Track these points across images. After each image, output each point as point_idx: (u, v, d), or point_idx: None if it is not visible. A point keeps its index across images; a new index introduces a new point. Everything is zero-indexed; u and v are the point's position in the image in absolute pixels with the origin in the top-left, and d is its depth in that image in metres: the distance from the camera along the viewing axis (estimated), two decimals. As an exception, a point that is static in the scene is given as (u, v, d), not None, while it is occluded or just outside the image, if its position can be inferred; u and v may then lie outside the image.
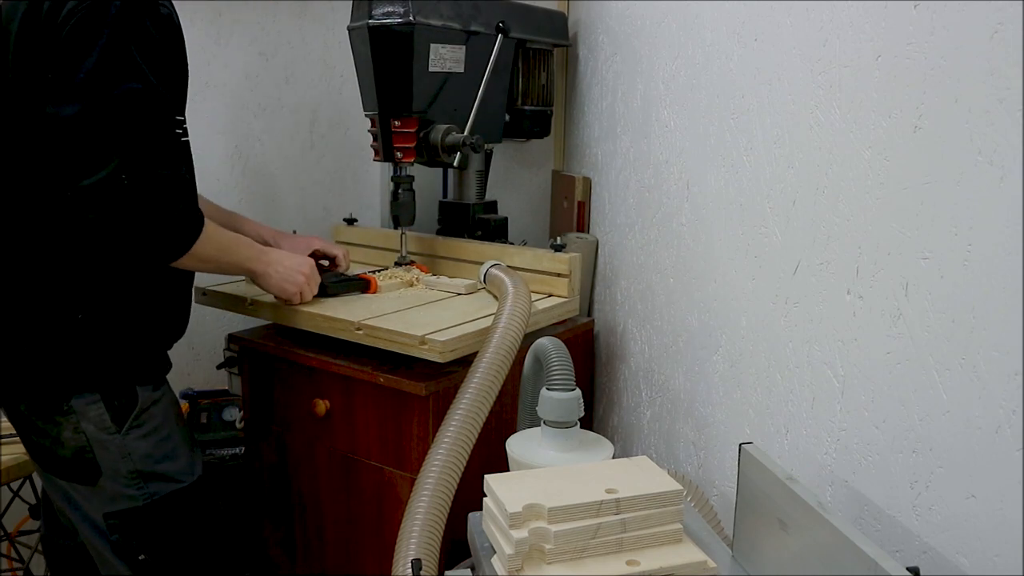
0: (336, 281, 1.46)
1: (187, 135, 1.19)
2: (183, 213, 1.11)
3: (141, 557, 1.20)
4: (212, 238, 1.16)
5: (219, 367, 1.72)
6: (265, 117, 1.96)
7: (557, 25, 1.82)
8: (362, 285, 1.50)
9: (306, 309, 1.38)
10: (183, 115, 1.17)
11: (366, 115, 1.59)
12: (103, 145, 1.02)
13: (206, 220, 1.15)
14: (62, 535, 1.35)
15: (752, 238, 1.08)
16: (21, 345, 1.14)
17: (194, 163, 1.20)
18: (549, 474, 0.82)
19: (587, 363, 1.70)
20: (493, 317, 1.27)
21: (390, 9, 1.46)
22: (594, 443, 1.01)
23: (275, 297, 1.37)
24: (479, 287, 1.54)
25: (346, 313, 1.35)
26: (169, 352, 1.28)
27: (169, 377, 1.27)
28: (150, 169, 1.04)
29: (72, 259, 1.12)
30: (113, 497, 1.18)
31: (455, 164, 1.56)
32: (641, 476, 0.80)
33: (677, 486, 0.78)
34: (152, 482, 1.19)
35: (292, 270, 1.32)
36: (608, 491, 0.76)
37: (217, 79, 1.88)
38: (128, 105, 1.03)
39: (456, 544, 1.23)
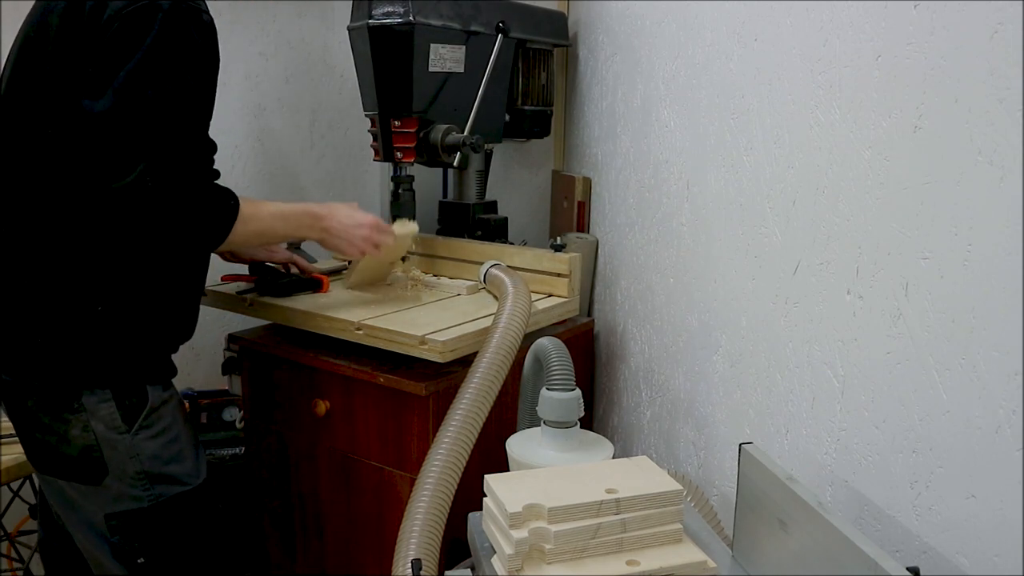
0: (288, 282, 1.48)
1: None
2: (211, 204, 1.14)
3: (140, 560, 1.19)
4: (251, 219, 1.18)
5: (224, 372, 1.71)
6: (265, 117, 1.96)
7: (557, 25, 1.82)
8: (314, 284, 1.51)
9: (306, 309, 1.38)
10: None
11: (366, 115, 1.59)
12: (131, 147, 1.03)
13: (242, 202, 1.16)
14: (59, 539, 1.35)
15: (752, 238, 1.08)
16: (35, 338, 1.13)
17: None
18: (549, 474, 0.82)
19: (587, 363, 1.70)
20: (493, 317, 1.27)
21: (390, 9, 1.46)
22: (594, 443, 1.02)
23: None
24: (479, 287, 1.54)
25: (346, 313, 1.36)
26: (173, 356, 1.28)
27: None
28: (174, 171, 1.07)
29: (90, 253, 1.12)
30: (117, 497, 1.17)
31: (455, 164, 1.56)
32: (641, 476, 0.80)
33: (677, 486, 0.78)
34: (159, 484, 1.18)
35: (351, 228, 1.32)
36: (608, 491, 0.76)
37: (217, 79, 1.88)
38: (160, 106, 1.05)
39: (456, 544, 1.23)
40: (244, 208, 1.17)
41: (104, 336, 1.14)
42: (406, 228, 1.49)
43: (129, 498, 1.17)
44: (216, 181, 1.19)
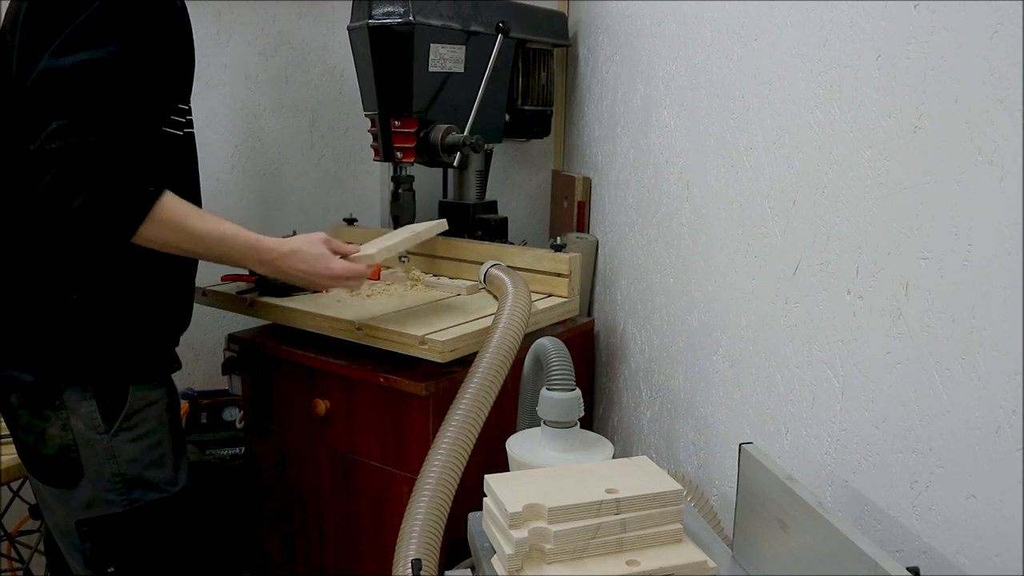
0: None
1: (190, 127, 1.16)
2: (117, 186, 0.99)
3: (111, 570, 1.15)
4: (173, 225, 1.04)
5: (224, 372, 1.71)
6: (265, 117, 1.96)
7: (557, 25, 1.82)
8: None
9: (306, 309, 1.38)
10: (186, 104, 1.15)
11: (366, 115, 1.59)
12: (46, 107, 0.98)
13: (168, 202, 1.03)
14: None
15: (752, 238, 1.08)
16: (17, 330, 1.11)
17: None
18: (549, 474, 0.82)
19: (587, 363, 1.70)
20: (493, 317, 1.27)
21: (390, 9, 1.46)
22: (594, 443, 1.01)
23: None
24: (479, 287, 1.54)
25: (346, 313, 1.36)
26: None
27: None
28: (78, 135, 0.97)
29: (61, 238, 1.08)
30: (91, 502, 1.13)
31: (455, 164, 1.56)
32: (641, 476, 0.80)
33: (677, 486, 0.78)
34: (135, 488, 1.15)
35: (317, 267, 1.19)
36: (608, 491, 0.76)
37: (217, 79, 1.88)
38: (80, 73, 0.98)
39: (456, 544, 1.23)
40: (169, 210, 1.03)
41: (84, 329, 1.11)
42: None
43: (104, 502, 1.13)
44: (153, 188, 1.04)
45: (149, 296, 1.17)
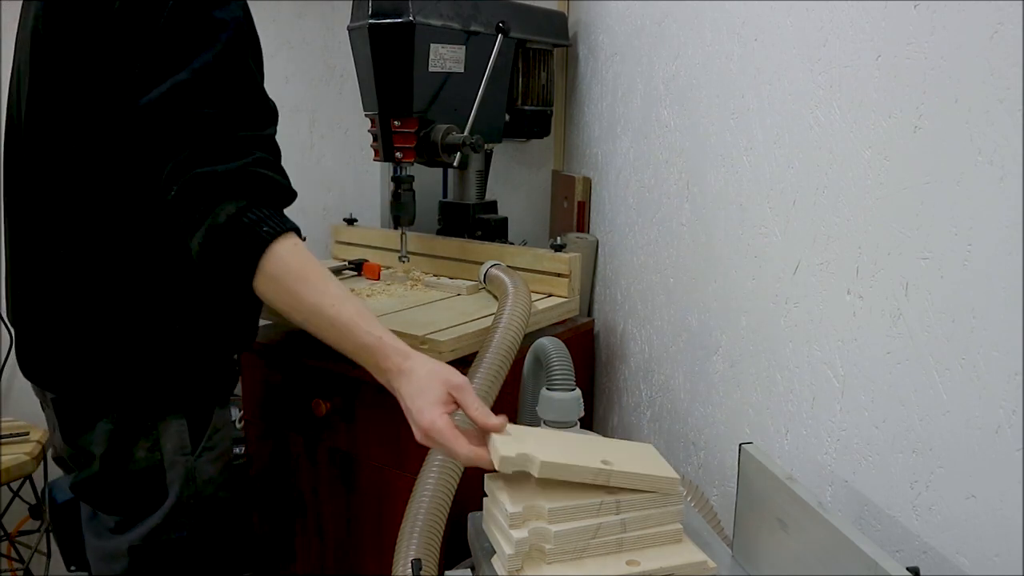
0: None
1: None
2: (228, 225, 0.87)
3: None
4: (280, 283, 0.88)
5: None
6: (265, 117, 1.96)
7: (557, 25, 1.82)
8: None
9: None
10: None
11: (366, 115, 1.59)
12: (152, 154, 0.91)
13: (276, 251, 0.87)
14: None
15: (752, 238, 1.08)
16: (117, 359, 1.04)
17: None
18: (546, 436, 0.81)
19: (587, 363, 1.70)
20: (493, 317, 1.27)
21: (390, 9, 1.46)
22: (594, 443, 1.02)
23: None
24: (479, 287, 1.54)
25: (346, 313, 1.35)
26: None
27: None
28: (185, 171, 0.89)
29: (164, 265, 1.02)
30: (159, 527, 1.07)
31: (455, 164, 1.56)
32: (640, 459, 0.80)
33: (674, 473, 0.78)
34: (207, 509, 1.11)
35: (404, 410, 0.90)
36: (604, 462, 0.76)
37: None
38: (170, 100, 0.91)
39: (456, 544, 1.23)
40: (277, 262, 0.87)
41: (181, 356, 1.06)
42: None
43: (174, 526, 1.09)
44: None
45: (236, 316, 1.13)
